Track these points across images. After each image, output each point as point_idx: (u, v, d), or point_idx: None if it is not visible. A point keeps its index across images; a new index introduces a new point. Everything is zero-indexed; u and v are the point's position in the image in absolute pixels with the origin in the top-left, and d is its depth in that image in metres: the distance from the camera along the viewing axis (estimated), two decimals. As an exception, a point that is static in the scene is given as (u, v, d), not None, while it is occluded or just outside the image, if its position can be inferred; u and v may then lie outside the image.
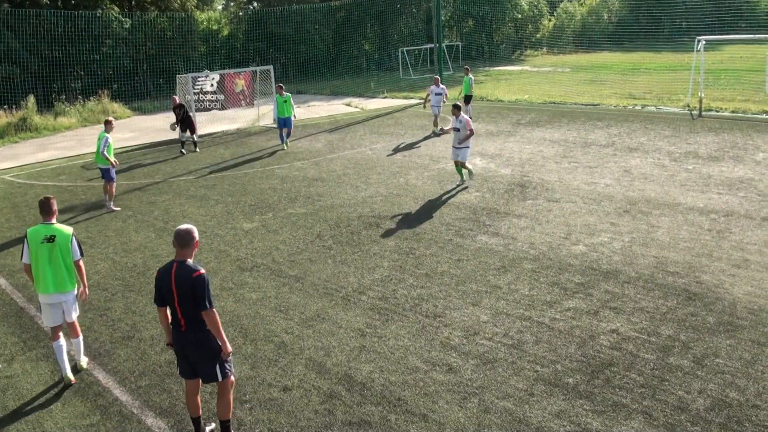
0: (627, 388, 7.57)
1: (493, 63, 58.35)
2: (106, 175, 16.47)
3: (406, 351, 8.63)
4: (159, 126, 30.38)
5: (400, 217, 14.47)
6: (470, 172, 17.33)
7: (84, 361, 8.79)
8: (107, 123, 16.65)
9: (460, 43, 61.58)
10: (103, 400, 7.91)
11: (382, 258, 12.03)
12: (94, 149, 16.79)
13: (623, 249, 11.87)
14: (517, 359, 8.28)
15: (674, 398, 7.34)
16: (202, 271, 6.53)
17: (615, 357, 8.25)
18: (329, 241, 13.11)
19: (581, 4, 73.11)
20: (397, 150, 22.06)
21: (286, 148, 23.47)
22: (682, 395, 7.39)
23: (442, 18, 46.12)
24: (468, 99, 26.99)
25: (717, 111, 27.29)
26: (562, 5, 70.16)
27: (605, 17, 69.32)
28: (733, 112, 26.99)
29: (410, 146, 22.81)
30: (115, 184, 16.77)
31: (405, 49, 53.09)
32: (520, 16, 64.94)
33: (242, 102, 29.34)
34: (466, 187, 16.65)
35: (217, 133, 28.36)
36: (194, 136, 24.74)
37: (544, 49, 66.57)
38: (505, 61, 60.04)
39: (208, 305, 6.46)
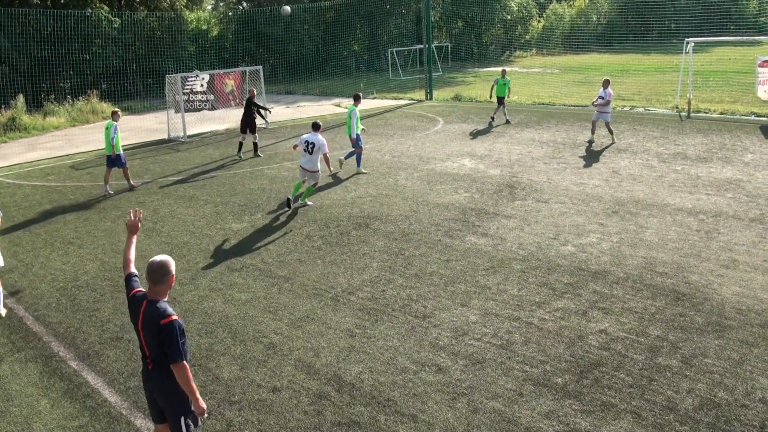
0: (616, 388, 7.60)
1: (482, 64, 58.48)
2: (118, 162, 17.96)
3: (396, 351, 8.63)
4: (148, 126, 30.27)
5: (389, 217, 14.47)
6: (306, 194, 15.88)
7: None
8: (115, 113, 18.50)
9: (449, 44, 61.69)
10: (92, 401, 7.87)
11: (372, 258, 12.03)
12: (88, 148, 16.81)
13: (612, 249, 11.91)
14: (506, 359, 8.30)
15: (663, 398, 7.37)
16: (174, 317, 5.55)
17: (604, 357, 8.28)
18: (318, 242, 13.10)
19: (570, 6, 73.33)
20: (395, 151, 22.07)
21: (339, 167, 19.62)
22: (670, 395, 7.42)
23: (432, 19, 46.13)
24: (500, 100, 26.75)
25: (705, 112, 27.44)
26: (551, 7, 70.36)
27: (594, 19, 69.51)
28: (721, 113, 27.15)
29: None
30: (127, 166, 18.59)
31: (394, 49, 53.12)
32: (509, 17, 65.14)
33: (232, 102, 29.27)
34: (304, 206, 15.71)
35: (207, 133, 28.30)
36: (255, 136, 22.90)
37: (533, 51, 66.73)
38: (494, 62, 60.18)
39: (177, 359, 5.50)
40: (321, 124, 15.90)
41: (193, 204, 16.51)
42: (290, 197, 15.42)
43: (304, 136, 15.41)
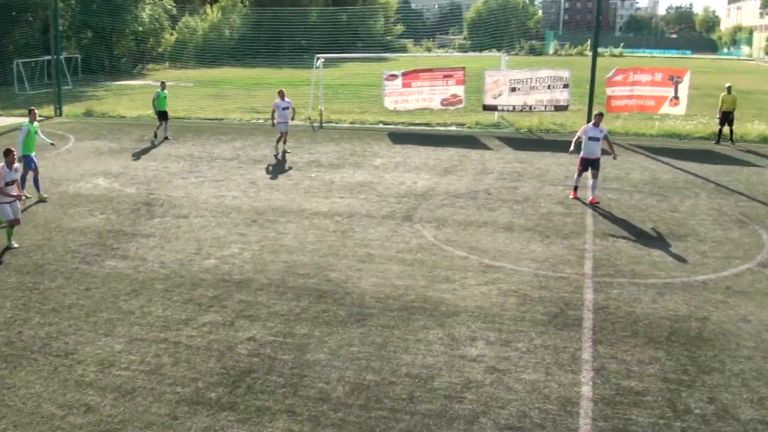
0: (269, 391, 7.81)
1: (115, 77, 56.06)
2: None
3: (39, 398, 7.84)
4: None
5: (20, 249, 13.10)
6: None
7: None
8: None
9: (79, 55, 58.14)
10: None
11: (4, 297, 10.79)
12: None
13: (254, 258, 12.22)
14: (157, 384, 8.03)
15: (315, 391, 7.77)
16: None
17: (254, 363, 8.44)
18: (-68, 286, 11.46)
19: (203, 20, 73.50)
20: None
21: None
22: (322, 387, 7.85)
23: (60, 28, 43.08)
24: (163, 115, 25.33)
25: (337, 123, 29.49)
26: (183, 19, 69.82)
27: (227, 33, 70.46)
28: (352, 123, 29.45)
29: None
30: None
31: (21, 61, 48.63)
32: (141, 29, 63.24)
33: None
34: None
35: None
36: None
37: (167, 64, 65.65)
38: (127, 75, 58.04)
39: None
40: (12, 150, 13.12)
41: None
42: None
43: None
